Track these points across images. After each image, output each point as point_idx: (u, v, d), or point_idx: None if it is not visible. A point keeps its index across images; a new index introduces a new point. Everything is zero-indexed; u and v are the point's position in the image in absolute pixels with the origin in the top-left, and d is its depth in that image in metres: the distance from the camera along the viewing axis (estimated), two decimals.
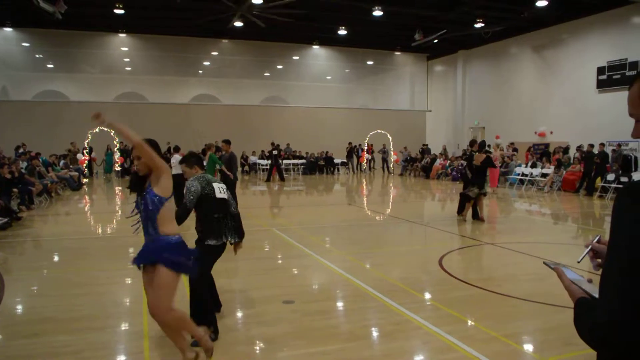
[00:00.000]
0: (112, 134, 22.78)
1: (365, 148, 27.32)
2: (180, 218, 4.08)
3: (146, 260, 3.39)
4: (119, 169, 23.30)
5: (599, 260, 1.42)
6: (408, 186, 20.86)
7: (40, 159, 15.60)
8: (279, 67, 29.69)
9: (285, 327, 4.50)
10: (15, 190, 11.60)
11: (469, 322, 4.63)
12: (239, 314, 4.91)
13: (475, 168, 10.56)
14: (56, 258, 7.66)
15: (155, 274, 3.32)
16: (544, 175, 17.86)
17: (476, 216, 10.52)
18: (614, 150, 17.15)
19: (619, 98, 18.21)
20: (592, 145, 16.53)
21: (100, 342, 4.18)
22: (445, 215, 11.80)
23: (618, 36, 19.40)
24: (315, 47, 29.16)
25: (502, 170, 19.43)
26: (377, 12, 20.82)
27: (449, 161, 23.20)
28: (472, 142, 11.43)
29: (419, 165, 25.14)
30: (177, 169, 11.86)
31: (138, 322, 4.62)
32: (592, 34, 20.54)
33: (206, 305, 4.23)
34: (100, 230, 10.28)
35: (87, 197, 16.34)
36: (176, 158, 11.99)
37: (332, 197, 17.90)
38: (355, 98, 31.41)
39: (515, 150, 21.52)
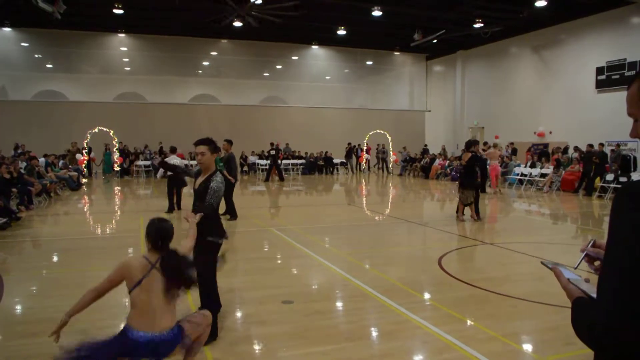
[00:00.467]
0: (111, 133, 22.79)
1: (365, 148, 27.32)
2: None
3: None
4: (118, 169, 23.27)
5: (597, 263, 1.43)
6: (407, 186, 20.87)
7: (38, 160, 15.59)
8: (278, 67, 29.69)
9: (284, 327, 4.50)
10: (14, 190, 11.59)
11: (469, 322, 4.64)
12: (238, 314, 4.91)
13: (463, 167, 10.71)
14: (55, 258, 7.66)
15: None
16: (543, 175, 17.88)
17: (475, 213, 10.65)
18: (612, 150, 17.17)
19: (618, 98, 18.22)
20: (591, 145, 16.55)
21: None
22: (445, 215, 11.80)
23: (617, 36, 19.43)
24: (315, 47, 29.16)
25: (501, 170, 19.44)
26: (376, 12, 20.82)
27: (448, 161, 23.21)
28: (468, 143, 11.43)
29: (418, 165, 25.15)
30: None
31: None
32: (591, 34, 20.56)
33: (216, 295, 4.27)
34: (99, 231, 10.27)
35: (86, 197, 16.34)
36: (174, 159, 11.97)
37: (331, 197, 17.90)
38: (355, 98, 31.42)
39: (514, 150, 21.53)
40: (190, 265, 3.21)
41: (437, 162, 23.76)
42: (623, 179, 14.76)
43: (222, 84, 28.86)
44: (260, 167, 25.50)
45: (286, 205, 15.09)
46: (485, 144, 17.99)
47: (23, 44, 25.22)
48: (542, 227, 10.83)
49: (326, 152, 27.03)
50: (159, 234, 3.12)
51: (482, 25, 22.11)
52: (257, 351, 4.06)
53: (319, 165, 26.72)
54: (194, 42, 26.58)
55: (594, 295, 1.23)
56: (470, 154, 10.65)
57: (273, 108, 28.85)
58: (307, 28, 24.61)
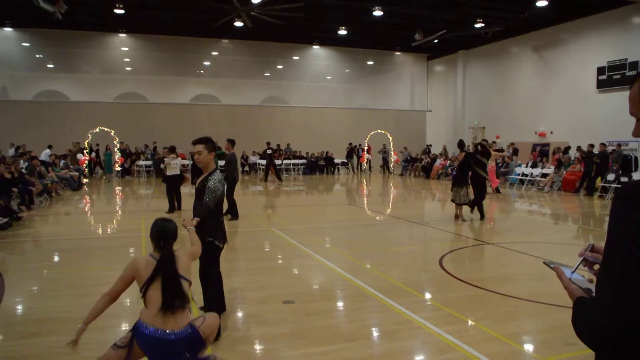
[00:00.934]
0: (112, 133, 22.82)
1: (366, 148, 27.31)
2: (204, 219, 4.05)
3: None
4: (119, 169, 23.28)
5: (597, 267, 1.42)
6: (408, 186, 20.86)
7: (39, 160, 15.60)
8: (279, 67, 29.69)
9: (285, 327, 4.50)
10: (15, 190, 11.60)
11: (469, 322, 4.64)
12: (240, 314, 4.91)
13: (457, 167, 10.89)
14: (56, 258, 7.66)
15: None
16: (544, 175, 17.87)
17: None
18: (614, 150, 17.15)
19: (619, 98, 18.21)
20: (592, 145, 16.54)
21: (101, 342, 4.17)
22: (446, 215, 11.79)
23: (618, 36, 19.41)
24: (316, 47, 29.16)
25: (502, 170, 19.44)
26: (377, 12, 20.81)
27: (449, 161, 23.19)
28: (461, 143, 11.47)
29: (420, 165, 25.15)
30: (174, 170, 11.86)
31: None
32: (592, 34, 20.55)
33: (221, 296, 4.31)
34: (100, 231, 10.28)
35: (87, 197, 16.34)
36: (173, 159, 11.93)
37: (332, 197, 17.90)
38: (356, 98, 31.41)
39: (515, 150, 21.51)
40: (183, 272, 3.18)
41: (438, 162, 23.75)
42: (624, 179, 14.74)
43: (222, 84, 28.87)
44: (260, 167, 25.49)
45: (287, 205, 15.09)
46: (494, 142, 17.92)
47: (24, 44, 25.25)
48: (543, 227, 10.82)
49: (327, 152, 27.03)
50: (160, 234, 3.15)
51: (483, 25, 22.09)
52: (258, 351, 4.06)
53: (319, 165, 26.72)
54: (195, 42, 26.59)
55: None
56: (463, 153, 10.72)
57: (274, 108, 28.86)
58: (308, 28, 24.61)
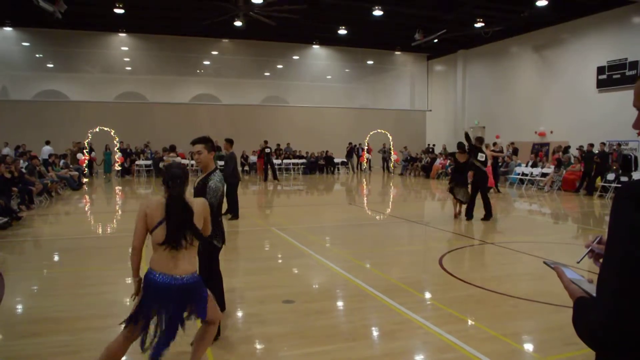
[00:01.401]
0: (112, 133, 22.81)
1: (366, 148, 27.31)
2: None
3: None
4: (119, 168, 23.28)
5: (601, 260, 1.42)
6: (408, 186, 20.86)
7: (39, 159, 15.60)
8: (279, 66, 29.69)
9: (285, 327, 4.50)
10: (15, 189, 11.59)
11: (469, 322, 4.63)
12: (239, 314, 4.91)
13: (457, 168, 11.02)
14: (56, 258, 7.66)
15: None
16: (544, 174, 17.87)
17: (470, 215, 10.66)
18: (614, 150, 17.15)
19: (619, 98, 18.20)
20: (592, 145, 16.53)
21: (101, 342, 4.16)
22: (445, 215, 11.79)
23: (618, 36, 19.41)
24: (316, 46, 29.16)
25: (501, 170, 19.44)
26: (377, 12, 20.81)
27: (449, 161, 23.19)
28: (480, 139, 11.48)
29: (420, 165, 25.15)
30: None
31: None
32: (592, 33, 20.54)
33: (221, 296, 4.36)
34: (100, 230, 10.28)
35: (87, 196, 16.35)
36: (173, 157, 11.94)
37: (332, 196, 17.90)
38: (356, 98, 31.41)
39: (515, 150, 21.51)
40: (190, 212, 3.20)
41: (438, 161, 23.76)
42: (624, 179, 14.74)
43: (223, 84, 28.88)
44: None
45: (287, 205, 15.09)
46: (494, 144, 17.93)
47: (24, 44, 25.24)
48: (543, 227, 10.83)
49: (327, 151, 27.03)
50: (169, 175, 3.19)
51: (483, 24, 22.09)
52: (258, 351, 4.06)
53: (319, 165, 26.72)
54: (195, 42, 26.59)
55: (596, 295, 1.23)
56: (467, 155, 10.75)
57: (274, 108, 28.85)
58: (308, 28, 24.60)
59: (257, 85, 29.28)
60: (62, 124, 23.84)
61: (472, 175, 10.99)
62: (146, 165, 23.50)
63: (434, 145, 28.25)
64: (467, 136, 11.45)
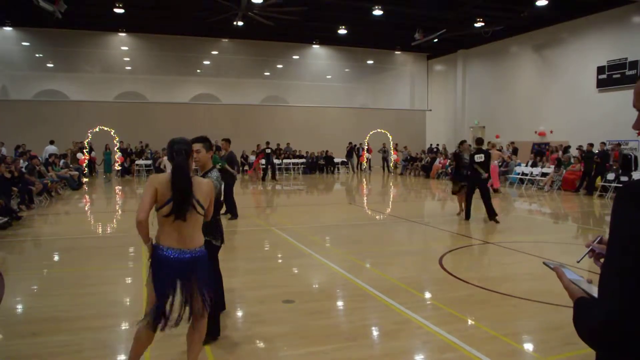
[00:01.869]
0: (111, 133, 22.81)
1: (366, 147, 27.31)
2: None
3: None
4: (119, 168, 23.27)
5: (602, 260, 1.42)
6: (408, 185, 20.86)
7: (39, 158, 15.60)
8: (279, 66, 29.69)
9: (285, 327, 4.50)
10: (15, 189, 11.59)
11: (469, 322, 4.63)
12: (239, 313, 4.91)
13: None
14: (56, 257, 7.66)
15: None
16: (544, 174, 17.87)
17: (468, 215, 10.65)
18: (612, 149, 17.15)
19: (619, 97, 18.21)
20: (591, 145, 16.53)
21: (100, 341, 4.18)
22: (445, 215, 11.80)
23: (618, 35, 19.41)
24: (315, 46, 29.16)
25: (501, 169, 19.44)
26: (377, 12, 20.81)
27: (449, 160, 23.19)
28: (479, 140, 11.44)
29: (420, 164, 25.14)
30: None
31: (138, 321, 4.61)
32: (592, 33, 20.55)
33: (221, 295, 4.46)
34: (100, 230, 10.28)
35: (87, 196, 16.35)
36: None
37: (332, 196, 17.90)
38: (355, 97, 31.42)
39: (515, 149, 21.52)
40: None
41: (438, 161, 23.75)
42: (624, 179, 14.74)
43: (222, 84, 28.89)
44: (261, 166, 25.44)
45: (287, 205, 15.09)
46: (494, 145, 17.97)
47: (24, 44, 25.25)
48: (543, 227, 10.83)
49: (327, 151, 27.03)
50: (173, 147, 3.29)
51: (483, 24, 22.10)
52: (258, 351, 4.06)
53: (319, 165, 26.72)
54: (195, 42, 26.60)
55: (596, 295, 1.23)
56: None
57: (274, 107, 28.86)
58: (308, 27, 24.60)
59: (257, 85, 29.29)
60: (62, 124, 23.85)
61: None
62: (146, 165, 23.51)
63: (437, 145, 28.25)
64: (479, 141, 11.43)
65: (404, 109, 31.62)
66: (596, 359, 1.25)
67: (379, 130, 26.74)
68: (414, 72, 32.16)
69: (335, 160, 27.15)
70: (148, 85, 27.33)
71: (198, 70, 29.10)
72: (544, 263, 1.60)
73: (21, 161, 14.52)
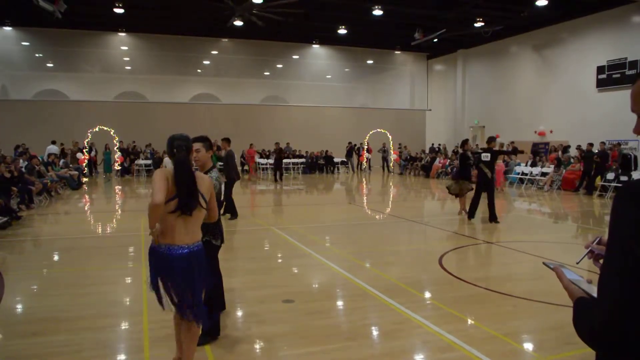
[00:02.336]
0: (111, 132, 22.81)
1: (366, 147, 27.31)
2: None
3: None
4: (119, 168, 23.27)
5: (602, 260, 1.42)
6: (408, 185, 20.86)
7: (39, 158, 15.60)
8: (279, 66, 29.69)
9: (285, 326, 4.50)
10: (14, 189, 11.59)
11: (469, 321, 4.64)
12: (239, 313, 4.91)
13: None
14: (56, 257, 7.66)
15: None
16: (543, 174, 17.87)
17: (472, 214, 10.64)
18: (610, 149, 17.16)
19: (619, 97, 18.21)
20: (591, 144, 16.54)
21: (100, 341, 4.18)
22: (445, 214, 11.80)
23: (618, 35, 19.40)
24: (315, 46, 29.15)
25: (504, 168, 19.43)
26: (377, 12, 20.81)
27: (448, 160, 23.19)
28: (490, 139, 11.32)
29: (419, 164, 25.15)
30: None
31: (138, 320, 4.62)
32: (591, 33, 20.54)
33: (221, 295, 4.49)
34: (100, 230, 10.28)
35: (87, 196, 16.34)
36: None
37: (332, 196, 17.89)
38: (355, 97, 31.41)
39: (515, 149, 21.47)
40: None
41: (438, 161, 23.75)
42: (624, 178, 14.74)
43: (222, 83, 28.88)
44: (260, 165, 25.50)
45: (286, 204, 15.09)
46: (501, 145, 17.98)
47: (24, 43, 25.24)
48: (543, 226, 10.83)
49: (327, 151, 27.03)
50: (170, 143, 3.35)
51: (482, 24, 22.10)
52: (257, 350, 4.06)
53: (319, 165, 26.72)
54: (195, 41, 26.59)
55: (596, 295, 1.23)
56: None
57: (274, 107, 28.86)
58: (307, 27, 24.61)
59: (256, 84, 29.29)
60: (61, 124, 23.84)
61: (475, 175, 10.97)
62: (146, 165, 23.50)
63: (439, 145, 28.22)
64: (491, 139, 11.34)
65: (404, 109, 31.62)
66: (596, 359, 1.25)
67: (378, 130, 26.74)
68: (413, 71, 32.16)
69: (335, 160, 27.15)
70: (148, 85, 27.32)
71: (198, 70, 29.10)
72: (544, 263, 1.60)
73: (21, 161, 14.52)
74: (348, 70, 30.78)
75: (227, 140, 10.68)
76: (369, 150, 27.37)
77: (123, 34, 26.19)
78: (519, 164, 19.70)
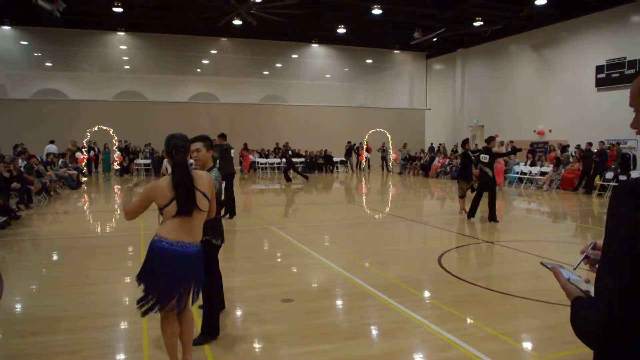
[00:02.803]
0: (110, 132, 22.79)
1: (365, 147, 27.31)
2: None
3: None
4: (118, 167, 23.25)
5: (597, 266, 1.42)
6: (407, 185, 20.86)
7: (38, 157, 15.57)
8: (278, 65, 29.67)
9: (284, 326, 4.50)
10: (16, 184, 11.56)
11: (468, 321, 4.64)
12: (239, 313, 4.92)
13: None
14: (55, 257, 7.66)
15: None
16: (542, 173, 17.88)
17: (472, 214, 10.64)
18: (609, 148, 17.17)
19: (618, 96, 18.23)
20: (590, 144, 16.55)
21: (100, 341, 4.18)
22: (445, 214, 11.80)
23: (617, 35, 19.42)
24: (315, 45, 29.14)
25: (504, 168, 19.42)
26: (377, 11, 20.81)
27: (447, 159, 23.19)
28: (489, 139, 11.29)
29: (419, 163, 25.15)
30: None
31: (137, 320, 4.61)
32: (591, 32, 20.56)
33: (221, 294, 4.51)
34: (99, 229, 10.27)
35: (86, 196, 16.33)
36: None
37: (331, 195, 17.90)
38: (355, 96, 31.40)
39: (514, 149, 21.47)
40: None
41: (437, 160, 23.76)
42: (623, 178, 14.76)
43: (222, 83, 28.86)
44: (260, 165, 25.49)
45: (286, 204, 15.08)
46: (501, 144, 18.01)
47: (22, 43, 25.20)
48: (542, 226, 10.84)
49: (326, 150, 27.03)
50: (168, 142, 3.39)
51: (482, 23, 22.11)
52: (257, 350, 4.06)
53: (318, 164, 26.71)
54: (194, 41, 26.56)
55: (593, 295, 1.23)
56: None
57: (273, 106, 28.84)
58: (307, 26, 24.60)
59: (256, 84, 29.27)
60: (61, 123, 23.81)
61: (477, 174, 10.99)
62: (145, 164, 23.48)
63: (439, 145, 28.22)
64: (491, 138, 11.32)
65: (403, 108, 31.61)
66: (594, 359, 1.26)
67: (378, 129, 26.74)
68: (413, 71, 32.14)
69: (334, 159, 27.15)
70: (147, 85, 27.29)
71: (197, 70, 29.07)
72: (542, 263, 1.60)
73: (19, 160, 14.49)
74: (347, 70, 30.77)
75: (223, 136, 10.64)
76: (368, 150, 27.37)
77: (122, 33, 26.15)
78: (518, 164, 19.72)
